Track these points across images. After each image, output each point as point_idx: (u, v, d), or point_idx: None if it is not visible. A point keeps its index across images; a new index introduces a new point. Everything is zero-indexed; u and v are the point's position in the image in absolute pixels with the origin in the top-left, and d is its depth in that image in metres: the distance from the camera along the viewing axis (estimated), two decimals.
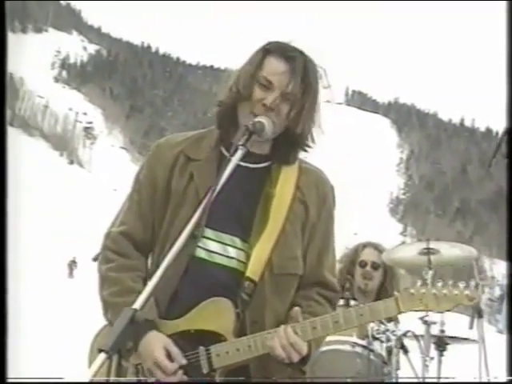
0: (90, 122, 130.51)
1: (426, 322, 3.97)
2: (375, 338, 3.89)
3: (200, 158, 2.11)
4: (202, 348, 1.97)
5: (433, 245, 3.99)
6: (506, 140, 3.54)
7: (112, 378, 1.63)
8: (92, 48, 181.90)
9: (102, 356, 1.55)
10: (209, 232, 2.04)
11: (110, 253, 2.11)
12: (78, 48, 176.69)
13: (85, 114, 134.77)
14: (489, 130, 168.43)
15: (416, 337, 4.12)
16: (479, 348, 4.10)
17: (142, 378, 1.99)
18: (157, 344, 1.96)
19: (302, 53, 2.06)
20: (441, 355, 4.13)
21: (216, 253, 2.05)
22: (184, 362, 1.95)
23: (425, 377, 3.94)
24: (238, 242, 2.06)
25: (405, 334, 4.01)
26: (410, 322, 4.07)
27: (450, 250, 4.03)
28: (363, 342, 3.80)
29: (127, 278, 2.04)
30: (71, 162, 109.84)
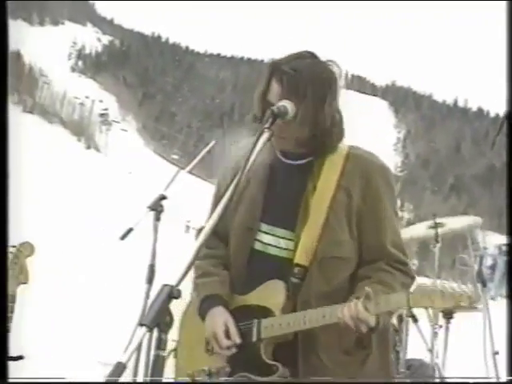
0: (106, 109, 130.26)
1: None
2: None
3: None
4: (255, 320, 2.14)
5: (439, 220, 3.99)
6: (506, 121, 3.48)
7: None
8: (106, 39, 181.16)
9: (143, 330, 1.56)
10: (264, 226, 2.20)
11: None
12: (92, 39, 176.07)
13: (100, 101, 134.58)
14: (480, 110, 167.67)
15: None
16: (483, 316, 4.07)
17: None
18: (219, 319, 2.15)
19: (295, 69, 2.05)
20: (448, 323, 4.10)
21: (270, 245, 2.18)
22: (238, 341, 2.11)
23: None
24: (287, 233, 2.17)
25: None
26: None
27: (455, 221, 4.04)
28: None
29: (207, 264, 2.26)
30: (88, 147, 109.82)
